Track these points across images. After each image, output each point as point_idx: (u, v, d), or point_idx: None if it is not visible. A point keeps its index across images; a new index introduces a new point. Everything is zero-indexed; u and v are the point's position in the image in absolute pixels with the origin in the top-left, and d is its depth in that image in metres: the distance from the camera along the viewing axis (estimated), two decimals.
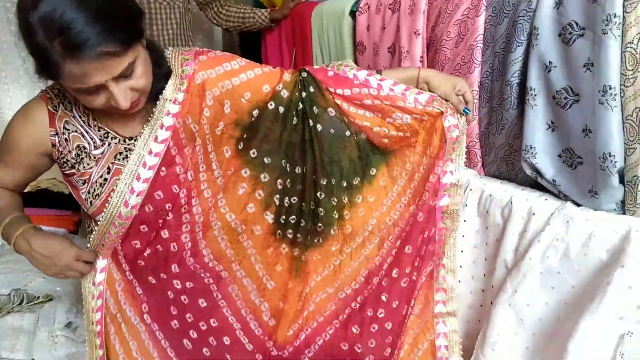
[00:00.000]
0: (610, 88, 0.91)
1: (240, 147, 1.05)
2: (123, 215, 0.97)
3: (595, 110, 0.95)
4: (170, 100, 0.97)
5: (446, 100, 1.08)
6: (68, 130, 0.98)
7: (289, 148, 1.08)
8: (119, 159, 0.99)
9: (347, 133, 1.09)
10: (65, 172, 1.01)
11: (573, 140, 1.02)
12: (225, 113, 1.02)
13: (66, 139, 0.98)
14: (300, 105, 1.06)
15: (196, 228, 1.06)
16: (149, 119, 0.98)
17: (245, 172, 1.07)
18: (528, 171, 1.10)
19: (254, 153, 1.06)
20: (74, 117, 0.98)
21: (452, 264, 1.16)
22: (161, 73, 0.99)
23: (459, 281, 1.26)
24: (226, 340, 1.12)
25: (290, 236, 1.14)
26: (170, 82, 0.98)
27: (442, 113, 1.07)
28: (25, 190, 2.50)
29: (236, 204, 1.08)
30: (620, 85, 0.91)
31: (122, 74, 0.85)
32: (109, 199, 0.97)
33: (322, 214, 1.11)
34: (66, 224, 2.39)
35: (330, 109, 1.07)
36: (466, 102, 1.10)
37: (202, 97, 1.00)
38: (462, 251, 1.25)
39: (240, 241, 1.10)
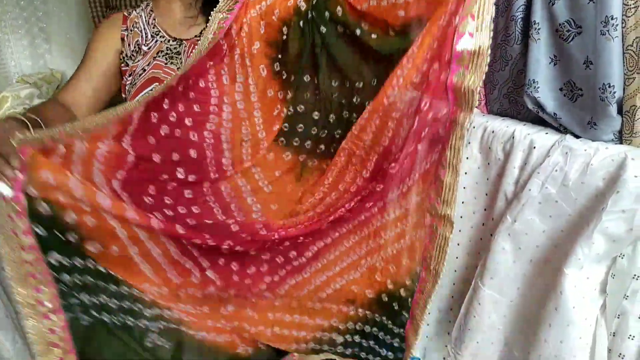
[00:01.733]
0: (612, 18, 0.93)
1: (276, 69, 1.07)
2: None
3: (597, 41, 0.97)
4: (220, 11, 1.00)
5: None
6: (134, 28, 1.17)
7: (306, 58, 1.07)
8: (159, 56, 1.14)
9: (358, 32, 1.01)
10: (122, 71, 1.15)
11: (574, 72, 1.04)
12: (261, 33, 1.05)
13: (131, 33, 1.16)
14: (310, 15, 1.03)
15: (222, 130, 1.06)
16: (197, 26, 1.14)
17: (281, 94, 1.09)
18: (530, 105, 1.13)
19: (284, 75, 1.07)
20: (141, 18, 1.17)
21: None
22: None
23: (461, 217, 1.32)
24: (208, 221, 1.04)
25: (296, 144, 1.11)
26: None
27: None
28: None
29: (269, 120, 1.10)
30: (622, 15, 0.93)
31: None
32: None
33: (354, 119, 1.04)
34: None
35: (338, 8, 1.01)
36: None
37: (244, 16, 1.03)
38: (464, 187, 1.30)
39: (261, 147, 1.09)
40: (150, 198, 0.97)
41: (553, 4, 1.03)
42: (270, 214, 1.10)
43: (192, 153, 1.03)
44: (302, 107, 1.10)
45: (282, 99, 1.09)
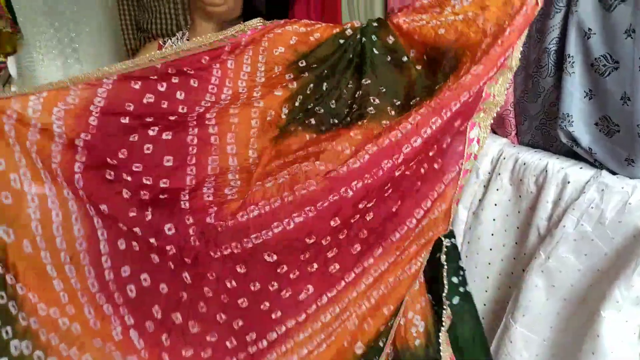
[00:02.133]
0: None
1: (292, 67, 1.01)
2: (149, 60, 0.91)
3: (635, 77, 0.94)
4: (245, 24, 1.00)
5: None
6: None
7: (334, 62, 1.01)
8: None
9: (405, 58, 0.99)
10: None
11: (611, 108, 1.01)
12: (290, 43, 1.02)
13: None
14: (357, 37, 1.01)
15: (209, 88, 0.97)
16: None
17: (289, 76, 1.01)
18: (564, 139, 1.10)
19: (302, 63, 1.02)
20: (175, 45, 1.17)
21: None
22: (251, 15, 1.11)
23: (490, 249, 1.29)
24: (162, 195, 0.89)
25: (296, 120, 0.99)
26: (253, 19, 1.01)
27: None
28: None
29: (268, 85, 1.00)
30: None
31: None
32: None
33: (354, 109, 0.97)
34: None
35: (390, 37, 1.00)
36: None
37: (274, 32, 1.02)
38: (494, 219, 1.27)
39: (250, 115, 0.97)
40: (114, 160, 0.88)
41: (589, 38, 1.01)
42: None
43: (168, 109, 0.92)
44: (311, 87, 1.00)
45: (289, 78, 1.01)
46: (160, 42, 1.19)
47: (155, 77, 0.91)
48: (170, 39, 1.19)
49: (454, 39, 0.92)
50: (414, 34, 0.97)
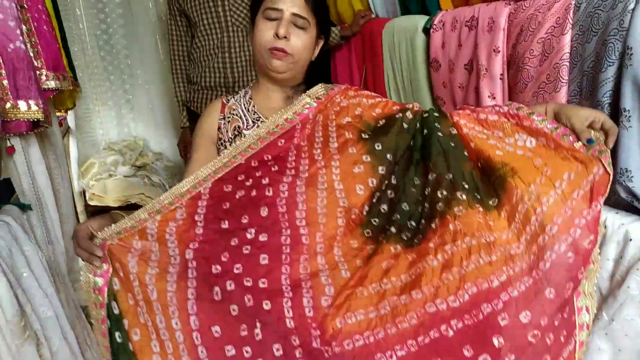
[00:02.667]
0: None
1: (364, 137, 1.04)
2: (232, 160, 1.03)
3: None
4: (309, 95, 1.11)
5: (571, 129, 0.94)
6: (232, 114, 1.20)
7: (402, 154, 1.03)
8: None
9: (466, 153, 0.99)
10: (220, 153, 1.17)
11: None
12: (355, 114, 1.08)
13: (229, 121, 1.20)
14: (418, 124, 1.03)
15: (298, 181, 1.02)
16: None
17: (367, 158, 1.03)
18: (623, 194, 1.06)
19: (378, 146, 1.04)
20: (239, 104, 1.21)
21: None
22: (312, 79, 1.19)
23: None
24: (266, 304, 0.93)
25: (379, 229, 0.99)
26: (316, 87, 1.13)
27: (572, 144, 0.92)
28: (116, 205, 2.70)
29: (349, 178, 1.02)
30: None
31: (297, 17, 1.09)
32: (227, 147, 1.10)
33: (426, 209, 0.96)
34: None
35: (452, 128, 1.01)
36: (606, 135, 0.92)
37: (338, 102, 1.09)
38: None
39: (337, 215, 1.00)
40: (218, 266, 0.96)
41: None
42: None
43: (263, 211, 0.98)
44: (386, 183, 1.02)
45: (368, 164, 1.02)
46: (224, 100, 1.23)
47: (242, 176, 1.02)
48: (234, 97, 1.23)
49: (508, 163, 0.94)
50: (471, 142, 0.98)
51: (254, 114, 1.19)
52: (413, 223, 0.98)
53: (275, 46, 1.08)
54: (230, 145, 1.14)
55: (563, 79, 1.19)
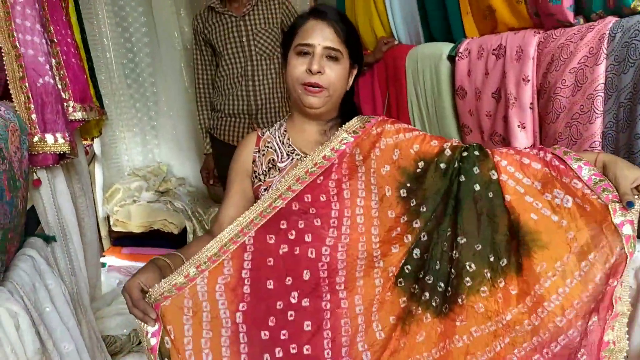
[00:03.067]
0: None
1: (403, 194, 1.04)
2: (272, 204, 1.04)
3: None
4: (346, 130, 1.10)
5: (615, 187, 0.90)
6: (266, 147, 1.18)
7: (439, 201, 1.02)
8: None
9: (505, 199, 0.97)
10: (254, 186, 1.17)
11: None
12: (394, 159, 1.06)
13: (263, 154, 1.17)
14: (456, 164, 1.00)
15: (339, 246, 1.03)
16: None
17: (404, 219, 1.04)
18: None
19: (413, 202, 1.03)
20: (274, 137, 1.19)
21: None
22: (347, 110, 1.18)
23: None
24: (307, 349, 1.00)
25: (413, 290, 1.02)
26: (353, 120, 1.12)
27: (606, 207, 0.89)
28: (139, 231, 2.71)
29: (387, 244, 1.04)
30: None
31: (330, 50, 1.08)
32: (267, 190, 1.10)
33: (453, 275, 0.98)
34: None
35: (492, 171, 0.98)
36: None
37: (377, 141, 1.08)
38: None
39: (373, 276, 1.03)
40: (266, 332, 1.01)
41: None
42: None
43: (305, 274, 1.02)
44: (421, 237, 1.03)
45: (404, 224, 1.03)
46: (259, 133, 1.22)
47: (285, 224, 1.03)
48: (269, 130, 1.22)
49: (541, 232, 0.93)
50: (507, 194, 0.96)
51: (288, 147, 1.17)
52: (442, 285, 0.99)
53: (309, 81, 1.07)
54: (264, 177, 1.15)
55: (598, 110, 1.15)
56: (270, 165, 1.16)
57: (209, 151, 2.35)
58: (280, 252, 1.02)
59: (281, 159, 1.16)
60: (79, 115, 1.53)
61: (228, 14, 2.14)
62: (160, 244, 2.56)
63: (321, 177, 1.06)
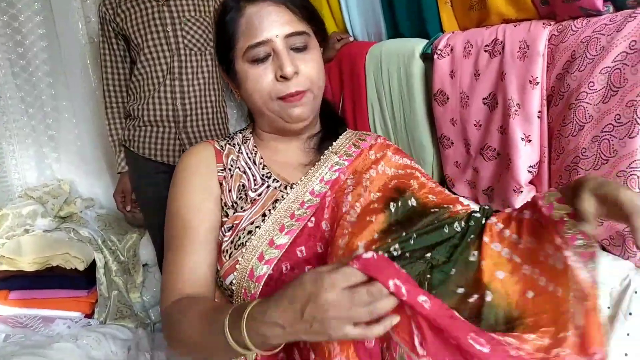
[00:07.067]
0: None
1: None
2: (255, 273, 0.76)
3: None
4: (336, 152, 0.89)
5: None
6: (232, 167, 0.87)
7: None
8: (275, 207, 0.82)
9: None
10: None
11: None
12: (389, 187, 0.84)
13: (231, 176, 0.86)
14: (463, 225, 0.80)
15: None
16: (310, 168, 0.87)
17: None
18: None
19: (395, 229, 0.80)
20: (240, 153, 0.89)
21: None
22: (331, 123, 0.94)
23: None
24: None
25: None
26: (342, 137, 0.92)
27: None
28: (33, 269, 2.17)
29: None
30: None
31: (294, 36, 0.79)
32: (242, 256, 0.77)
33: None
34: (81, 306, 2.04)
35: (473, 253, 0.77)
36: None
37: (375, 163, 0.87)
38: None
39: None
40: None
41: None
42: None
43: None
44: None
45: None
46: (216, 145, 0.87)
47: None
48: (229, 142, 0.88)
49: (530, 312, 0.71)
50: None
51: (262, 168, 0.88)
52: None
53: (290, 92, 0.79)
54: (232, 211, 0.82)
55: None
56: (241, 195, 0.84)
57: (123, 169, 1.89)
58: None
59: (254, 185, 0.85)
60: None
61: None
62: (61, 283, 2.04)
63: (312, 220, 0.80)
